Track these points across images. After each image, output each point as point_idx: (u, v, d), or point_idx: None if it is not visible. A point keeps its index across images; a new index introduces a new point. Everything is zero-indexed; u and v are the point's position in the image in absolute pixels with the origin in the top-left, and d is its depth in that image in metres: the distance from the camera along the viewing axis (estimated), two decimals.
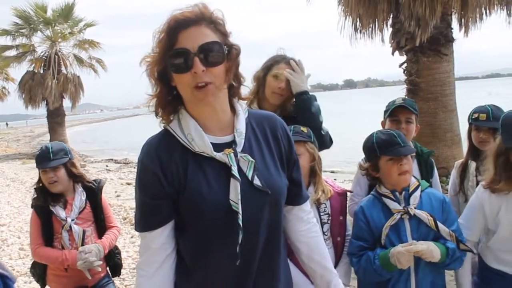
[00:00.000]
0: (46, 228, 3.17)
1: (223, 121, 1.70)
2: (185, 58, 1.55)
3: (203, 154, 1.63)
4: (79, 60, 26.09)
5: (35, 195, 3.24)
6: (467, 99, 16.48)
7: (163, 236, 1.66)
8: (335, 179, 8.09)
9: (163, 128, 1.71)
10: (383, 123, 3.11)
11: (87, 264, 3.08)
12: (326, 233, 2.57)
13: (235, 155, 1.64)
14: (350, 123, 30.00)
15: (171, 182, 1.62)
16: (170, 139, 1.66)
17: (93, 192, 3.33)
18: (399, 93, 8.66)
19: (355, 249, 2.53)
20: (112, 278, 3.45)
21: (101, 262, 3.22)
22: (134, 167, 16.31)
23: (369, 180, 2.71)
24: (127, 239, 7.08)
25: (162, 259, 1.67)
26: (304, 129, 2.63)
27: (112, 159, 22.28)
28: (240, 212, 1.57)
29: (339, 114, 39.60)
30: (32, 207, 3.25)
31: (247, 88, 1.82)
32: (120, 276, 3.74)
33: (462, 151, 8.31)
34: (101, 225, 3.34)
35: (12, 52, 25.65)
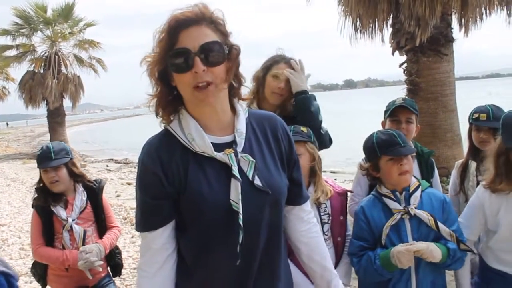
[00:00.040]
0: (47, 228, 3.17)
1: (224, 121, 1.70)
2: (185, 58, 1.55)
3: (204, 154, 1.63)
4: (79, 60, 26.10)
5: (36, 195, 3.24)
6: (467, 99, 16.46)
7: (164, 236, 1.67)
8: (335, 179, 8.10)
9: (163, 128, 1.71)
10: (383, 123, 3.11)
11: (88, 264, 3.08)
12: (326, 233, 2.58)
13: (236, 155, 1.64)
14: (350, 123, 29.98)
15: (171, 182, 1.62)
16: (170, 139, 1.66)
17: (94, 192, 3.33)
18: (399, 93, 8.66)
19: (355, 249, 2.53)
20: (113, 278, 3.45)
21: (102, 262, 3.21)
22: (135, 167, 16.31)
23: (370, 180, 2.71)
24: (127, 239, 7.08)
25: (163, 259, 1.67)
26: (304, 129, 2.63)
27: (112, 159, 22.27)
28: (241, 212, 1.57)
29: (339, 114, 39.59)
30: (32, 207, 3.25)
31: (246, 88, 1.82)
32: (121, 276, 3.74)
33: (462, 151, 8.31)
34: (102, 225, 3.34)
35: (12, 52, 25.70)
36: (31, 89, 24.49)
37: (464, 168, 3.17)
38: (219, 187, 1.61)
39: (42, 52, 25.79)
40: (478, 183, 2.87)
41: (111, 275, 3.45)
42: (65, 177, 3.19)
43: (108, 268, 3.42)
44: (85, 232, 3.20)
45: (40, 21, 25.45)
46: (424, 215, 2.42)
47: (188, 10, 1.59)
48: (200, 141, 1.62)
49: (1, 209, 10.11)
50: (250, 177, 1.64)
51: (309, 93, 2.91)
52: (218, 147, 1.64)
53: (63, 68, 25.39)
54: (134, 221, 1.84)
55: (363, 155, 2.75)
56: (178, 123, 1.67)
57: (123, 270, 3.61)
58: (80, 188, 3.29)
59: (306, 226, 1.91)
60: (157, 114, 1.68)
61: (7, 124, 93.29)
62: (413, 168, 2.65)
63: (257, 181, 1.64)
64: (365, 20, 9.61)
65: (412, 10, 8.43)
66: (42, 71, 25.16)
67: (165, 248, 1.67)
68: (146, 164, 1.65)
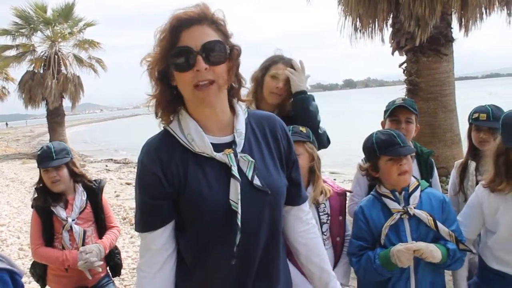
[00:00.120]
0: (47, 228, 3.17)
1: (223, 122, 1.70)
2: (187, 56, 1.56)
3: (203, 155, 1.63)
4: (79, 60, 26.10)
5: (36, 195, 3.24)
6: (466, 99, 16.47)
7: (164, 237, 1.67)
8: (334, 179, 8.10)
9: (163, 128, 1.71)
10: (383, 123, 3.11)
11: (88, 264, 3.08)
12: (325, 233, 2.58)
13: (235, 155, 1.64)
14: (350, 123, 30.00)
15: (171, 182, 1.62)
16: (170, 140, 1.66)
17: (94, 192, 3.33)
18: (399, 93, 8.66)
19: (355, 249, 2.53)
20: (112, 278, 3.45)
21: (101, 262, 3.22)
22: (134, 167, 16.32)
23: (369, 180, 2.71)
24: (126, 239, 7.07)
25: (163, 260, 1.67)
26: (303, 129, 2.63)
27: (111, 159, 22.25)
28: (240, 212, 1.57)
29: (339, 114, 39.62)
30: (32, 207, 3.25)
31: (245, 89, 1.82)
32: (120, 276, 3.74)
33: (461, 151, 8.32)
34: (102, 225, 3.34)
35: (12, 52, 25.69)
36: (31, 89, 24.49)
37: (464, 168, 3.17)
38: (219, 187, 1.61)
39: (42, 52, 25.83)
40: (477, 183, 2.87)
41: (111, 275, 3.45)
42: (66, 176, 3.19)
43: (108, 268, 3.42)
44: (85, 232, 3.20)
45: (40, 21, 25.44)
46: (423, 215, 2.42)
47: (189, 10, 1.60)
48: (200, 141, 1.62)
49: (0, 209, 10.10)
50: (250, 177, 1.64)
51: (308, 93, 2.91)
52: (218, 147, 1.64)
53: (62, 68, 25.39)
54: (133, 221, 1.85)
55: (362, 155, 2.75)
56: (178, 124, 1.67)
57: (122, 270, 3.60)
58: (80, 188, 3.29)
59: (305, 226, 1.91)
60: (156, 115, 1.69)
61: (6, 124, 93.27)
62: (413, 168, 2.66)
63: (257, 181, 1.64)
64: (365, 20, 9.62)
65: (412, 10, 8.43)
66: (41, 71, 25.15)
67: (165, 248, 1.67)
68: (145, 164, 1.65)
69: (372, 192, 2.63)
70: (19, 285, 1.47)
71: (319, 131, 2.88)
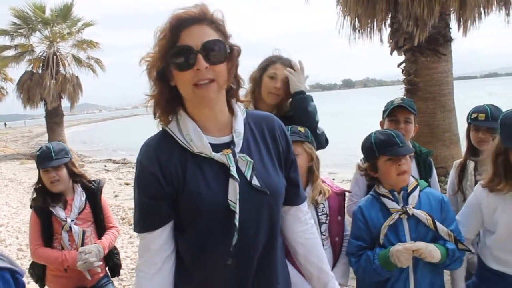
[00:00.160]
0: (46, 229, 3.17)
1: (222, 122, 1.71)
2: (188, 55, 1.56)
3: (202, 155, 1.63)
4: (78, 60, 26.03)
5: (35, 196, 3.23)
6: (465, 99, 16.49)
7: (163, 237, 1.67)
8: (333, 179, 8.10)
9: (161, 129, 1.71)
10: (381, 123, 3.12)
11: (87, 264, 3.07)
12: (324, 233, 2.58)
13: (234, 155, 1.64)
14: (349, 123, 30.02)
15: (170, 182, 1.62)
16: (168, 140, 1.66)
17: (93, 193, 3.33)
18: (398, 93, 8.68)
19: (354, 249, 2.53)
20: (111, 279, 3.45)
21: (101, 263, 3.22)
22: (133, 167, 16.31)
23: (368, 180, 2.71)
24: (125, 240, 7.07)
25: (162, 260, 1.67)
26: (302, 129, 2.64)
27: (110, 159, 22.25)
28: (238, 212, 1.57)
29: (337, 114, 39.63)
30: (31, 207, 3.25)
31: (243, 89, 1.83)
32: (119, 276, 3.73)
33: (460, 151, 8.32)
34: (101, 225, 3.33)
35: (10, 52, 25.61)
36: (29, 89, 24.44)
37: (462, 168, 3.17)
38: (217, 187, 1.61)
39: (40, 52, 25.76)
40: (476, 183, 2.87)
41: (109, 276, 3.44)
42: (65, 177, 3.19)
43: (106, 268, 3.42)
44: (84, 232, 3.20)
45: (39, 21, 25.39)
46: (422, 214, 2.42)
47: (189, 10, 1.60)
48: (198, 141, 1.62)
49: None
50: (248, 178, 1.64)
51: (307, 94, 2.92)
52: (216, 147, 1.64)
53: (61, 68, 25.33)
54: (132, 222, 1.84)
55: (361, 155, 2.75)
56: (176, 124, 1.67)
57: (121, 271, 3.60)
58: (78, 188, 3.29)
59: (303, 227, 1.91)
60: (154, 115, 1.68)
61: (5, 124, 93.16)
62: (411, 168, 2.65)
63: (255, 181, 1.64)
64: (364, 20, 9.63)
65: (411, 10, 8.44)
66: (40, 71, 25.08)
67: (163, 249, 1.67)
68: (144, 164, 1.65)
69: (371, 192, 2.63)
70: (21, 284, 1.47)
71: (317, 132, 2.89)
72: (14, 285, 1.42)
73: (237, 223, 1.57)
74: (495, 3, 9.02)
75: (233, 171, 1.61)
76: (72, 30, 25.82)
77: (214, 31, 1.61)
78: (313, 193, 2.56)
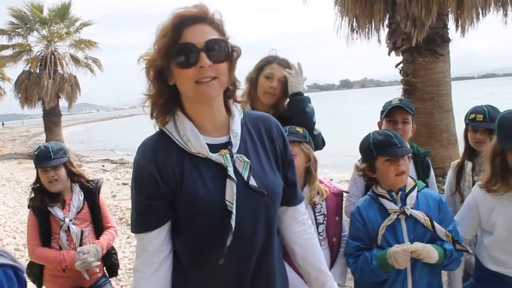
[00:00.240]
0: (44, 229, 3.16)
1: (219, 122, 1.71)
2: (191, 53, 1.56)
3: (199, 155, 1.63)
4: (76, 60, 26.00)
5: (32, 195, 3.23)
6: (463, 99, 16.52)
7: (160, 238, 1.67)
8: (331, 180, 8.11)
9: (158, 129, 1.71)
10: (379, 124, 3.12)
11: (86, 264, 3.07)
12: (321, 234, 2.58)
13: (231, 156, 1.64)
14: (346, 124, 30.03)
15: (167, 182, 1.62)
16: (166, 141, 1.66)
17: (91, 192, 3.32)
18: (396, 93, 8.67)
19: (352, 249, 2.53)
20: (109, 279, 3.44)
21: (99, 263, 3.21)
22: (130, 167, 16.28)
23: (366, 181, 2.71)
24: (123, 240, 7.07)
25: (160, 261, 1.67)
26: (300, 130, 2.64)
27: (108, 159, 22.21)
28: (234, 212, 1.57)
29: (335, 115, 39.64)
30: (29, 207, 3.24)
31: (240, 90, 1.83)
32: (117, 276, 3.73)
33: (458, 151, 8.33)
34: (99, 225, 3.33)
35: (8, 52, 25.56)
36: (27, 89, 24.39)
37: (460, 169, 3.17)
38: (215, 187, 1.61)
39: (38, 52, 25.72)
40: (474, 183, 2.87)
41: (107, 276, 3.44)
42: (64, 176, 3.19)
43: (104, 268, 3.41)
44: (82, 232, 3.19)
45: (36, 21, 25.34)
46: (420, 215, 2.43)
47: (191, 9, 1.60)
48: (196, 142, 1.62)
49: None
50: (245, 178, 1.64)
51: (304, 95, 2.92)
52: (214, 148, 1.64)
53: (59, 68, 25.30)
54: (130, 222, 1.84)
55: (359, 156, 2.75)
56: (174, 125, 1.67)
57: (119, 271, 3.60)
58: (77, 188, 3.28)
59: (301, 227, 1.91)
60: (152, 115, 1.68)
61: (2, 124, 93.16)
62: (409, 169, 2.66)
63: (252, 182, 1.64)
64: (362, 20, 9.63)
65: (408, 11, 8.44)
66: (38, 71, 25.04)
67: (161, 249, 1.67)
68: (141, 164, 1.65)
69: (369, 193, 2.63)
70: (23, 281, 1.47)
71: (314, 133, 2.89)
72: (16, 282, 1.42)
73: (233, 223, 1.57)
74: (493, 4, 9.02)
75: (230, 171, 1.61)
76: (70, 30, 25.77)
77: (214, 31, 1.62)
78: (311, 193, 2.56)
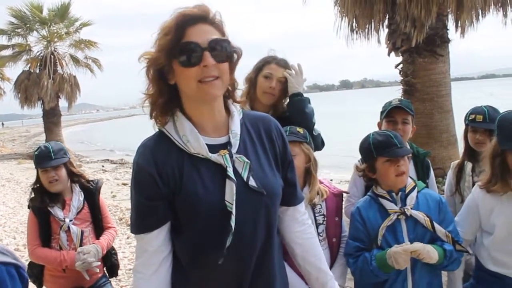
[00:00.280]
0: (44, 229, 3.16)
1: (219, 122, 1.71)
2: (195, 52, 1.56)
3: (199, 156, 1.63)
4: (75, 60, 25.97)
5: (32, 196, 3.23)
6: (462, 100, 16.52)
7: (160, 238, 1.67)
8: (331, 180, 8.11)
9: (158, 130, 1.71)
10: (379, 124, 3.12)
11: (86, 264, 3.07)
12: (321, 234, 2.58)
13: (230, 156, 1.64)
14: (346, 125, 30.03)
15: (166, 183, 1.62)
16: (165, 141, 1.66)
17: (91, 193, 3.32)
18: (395, 94, 8.67)
19: (351, 249, 2.53)
20: (109, 279, 3.44)
21: (99, 263, 3.21)
22: (130, 168, 16.26)
23: (366, 181, 2.71)
24: (123, 240, 7.06)
25: (159, 261, 1.67)
26: (300, 130, 2.65)
27: (108, 160, 22.21)
28: (234, 212, 1.57)
29: (335, 115, 39.64)
30: (29, 207, 3.24)
31: (239, 90, 1.84)
32: (117, 277, 3.73)
33: (458, 152, 8.33)
34: (99, 225, 3.33)
35: (7, 52, 25.53)
36: (27, 89, 24.36)
37: (460, 169, 3.17)
38: (214, 188, 1.61)
39: (38, 52, 25.67)
40: (473, 184, 2.87)
41: (107, 276, 3.44)
42: (64, 176, 3.19)
43: (104, 268, 3.41)
44: (82, 232, 3.19)
45: (36, 21, 25.31)
46: (420, 215, 2.43)
47: (193, 8, 1.60)
48: (195, 142, 1.62)
49: None
50: (245, 178, 1.64)
51: (304, 96, 2.93)
52: (213, 148, 1.64)
53: (59, 68, 25.26)
54: (129, 222, 1.84)
55: (359, 156, 2.76)
56: (173, 125, 1.67)
57: (118, 271, 3.60)
58: (77, 188, 3.28)
59: (301, 227, 1.91)
60: (151, 115, 1.68)
61: (2, 124, 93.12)
62: (409, 169, 2.66)
63: (252, 182, 1.64)
64: (361, 21, 9.63)
65: (408, 11, 8.44)
66: (37, 71, 25.00)
67: (160, 250, 1.67)
68: (141, 165, 1.64)
69: (369, 193, 2.63)
70: (25, 279, 1.47)
71: (314, 133, 2.90)
72: (19, 280, 1.43)
73: (233, 224, 1.57)
74: (493, 5, 9.02)
75: (230, 171, 1.61)
76: (70, 30, 25.75)
77: (216, 31, 1.62)
78: (311, 194, 2.56)
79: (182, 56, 1.57)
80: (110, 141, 37.25)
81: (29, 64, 25.24)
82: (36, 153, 3.19)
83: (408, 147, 2.77)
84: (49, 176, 3.13)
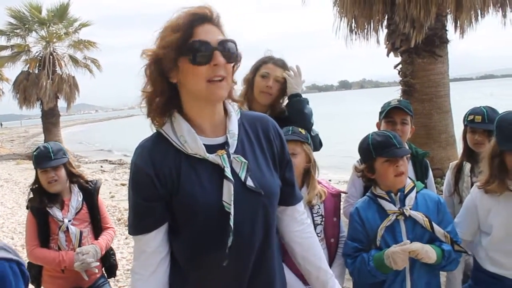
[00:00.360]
0: (42, 229, 3.15)
1: (217, 122, 1.71)
2: (206, 51, 1.56)
3: (196, 156, 1.63)
4: (74, 60, 25.96)
5: (31, 196, 3.22)
6: (461, 100, 16.53)
7: (157, 239, 1.66)
8: (330, 180, 8.11)
9: (155, 131, 1.70)
10: (378, 125, 3.12)
11: (85, 265, 3.07)
12: (319, 235, 2.57)
13: (228, 156, 1.64)
14: (345, 125, 30.05)
15: (164, 184, 1.62)
16: (163, 142, 1.66)
17: (90, 193, 3.32)
18: (394, 94, 8.68)
19: (350, 250, 2.53)
20: (108, 279, 3.44)
21: (98, 263, 3.20)
22: (129, 168, 16.28)
23: (365, 182, 2.71)
24: (121, 240, 7.06)
25: (157, 262, 1.67)
26: (302, 131, 2.67)
27: (106, 160, 22.20)
28: (232, 213, 1.57)
29: (334, 116, 39.66)
30: (27, 208, 3.24)
31: (238, 90, 1.84)
32: (115, 277, 3.73)
33: (456, 152, 8.33)
34: (98, 226, 3.33)
35: (6, 52, 25.52)
36: (26, 89, 24.35)
37: (459, 170, 3.17)
38: (212, 188, 1.60)
39: (36, 52, 25.66)
40: (472, 185, 2.87)
41: (106, 276, 3.44)
42: (63, 177, 3.18)
43: (103, 269, 3.41)
44: (81, 233, 3.18)
45: (35, 21, 25.31)
46: (419, 216, 2.43)
47: (198, 9, 1.61)
48: (193, 143, 1.62)
49: None
50: (243, 178, 1.64)
51: (303, 97, 2.95)
52: (211, 148, 1.64)
53: (57, 69, 25.25)
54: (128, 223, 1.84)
55: (358, 157, 2.76)
56: (171, 126, 1.66)
57: (117, 272, 3.59)
58: (75, 188, 3.28)
59: (300, 226, 1.91)
60: (148, 115, 1.67)
61: (1, 124, 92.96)
62: (408, 169, 2.66)
63: (250, 182, 1.64)
64: (360, 21, 9.63)
65: (407, 12, 8.44)
66: (36, 72, 25.00)
67: (158, 251, 1.67)
68: (138, 166, 1.64)
69: (367, 194, 2.63)
70: (26, 276, 1.47)
71: (312, 134, 2.90)
72: (21, 277, 1.42)
73: (232, 224, 1.57)
74: (492, 5, 9.03)
75: (228, 172, 1.60)
76: (69, 30, 25.75)
77: (220, 32, 1.63)
78: (309, 196, 2.56)
79: (192, 54, 1.56)
80: (108, 142, 37.22)
81: (28, 65, 25.24)
82: (35, 153, 3.18)
83: (407, 147, 2.77)
84: (49, 176, 3.12)
